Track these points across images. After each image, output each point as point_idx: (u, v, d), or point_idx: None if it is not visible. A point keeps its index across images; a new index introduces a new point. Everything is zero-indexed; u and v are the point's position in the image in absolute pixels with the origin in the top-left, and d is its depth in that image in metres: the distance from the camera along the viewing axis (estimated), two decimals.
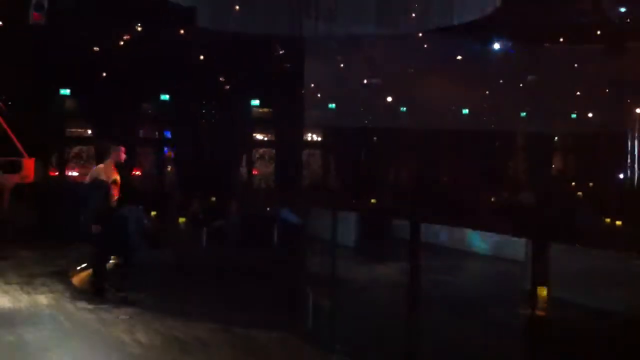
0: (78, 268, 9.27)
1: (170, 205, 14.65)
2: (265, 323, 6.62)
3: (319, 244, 10.16)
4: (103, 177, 7.98)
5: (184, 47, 20.11)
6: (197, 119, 24.68)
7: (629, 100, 24.76)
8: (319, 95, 23.01)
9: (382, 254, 10.39)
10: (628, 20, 13.18)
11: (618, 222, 12.96)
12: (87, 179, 8.24)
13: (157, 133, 26.13)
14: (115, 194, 8.04)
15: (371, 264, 10.62)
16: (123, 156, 8.29)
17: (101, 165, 8.23)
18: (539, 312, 6.81)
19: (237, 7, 14.52)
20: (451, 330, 6.42)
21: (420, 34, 17.77)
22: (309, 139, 29.45)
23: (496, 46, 19.52)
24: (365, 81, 22.39)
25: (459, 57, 21.82)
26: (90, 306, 7.09)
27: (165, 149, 25.60)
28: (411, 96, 23.68)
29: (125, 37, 19.21)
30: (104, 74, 20.98)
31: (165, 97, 23.18)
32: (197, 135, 24.36)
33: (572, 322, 6.71)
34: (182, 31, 19.08)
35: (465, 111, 26.11)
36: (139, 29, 18.67)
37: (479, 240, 11.50)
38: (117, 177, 8.08)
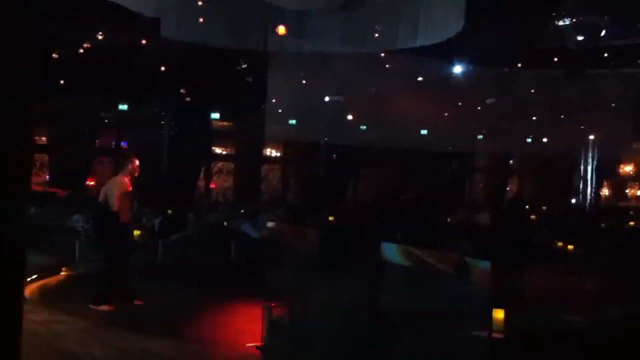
0: (28, 279, 8.96)
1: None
2: (224, 338, 6.51)
3: (278, 258, 10.08)
4: (115, 200, 7.63)
5: (145, 57, 19.87)
6: (155, 130, 24.35)
7: (582, 127, 25.52)
8: (280, 110, 23.00)
9: (342, 270, 10.36)
10: (586, 48, 13.61)
11: (570, 246, 13.18)
12: (101, 196, 7.91)
13: (113, 143, 25.74)
14: (126, 208, 7.82)
15: (331, 279, 10.55)
16: (138, 169, 7.96)
17: (115, 179, 7.91)
18: (496, 334, 6.82)
19: (202, 19, 14.36)
20: (404, 349, 6.42)
21: (383, 54, 17.92)
22: (269, 153, 29.45)
23: (457, 69, 19.87)
24: (327, 98, 22.47)
25: (420, 79, 22.07)
26: (42, 319, 6.84)
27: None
28: (372, 114, 23.90)
29: (85, 45, 18.82)
30: (62, 82, 20.54)
31: (123, 106, 22.80)
32: (155, 146, 24.02)
33: (528, 344, 6.75)
34: (143, 41, 18.81)
35: (424, 131, 26.45)
36: (100, 37, 18.31)
37: (437, 259, 11.48)
38: (130, 189, 7.79)
